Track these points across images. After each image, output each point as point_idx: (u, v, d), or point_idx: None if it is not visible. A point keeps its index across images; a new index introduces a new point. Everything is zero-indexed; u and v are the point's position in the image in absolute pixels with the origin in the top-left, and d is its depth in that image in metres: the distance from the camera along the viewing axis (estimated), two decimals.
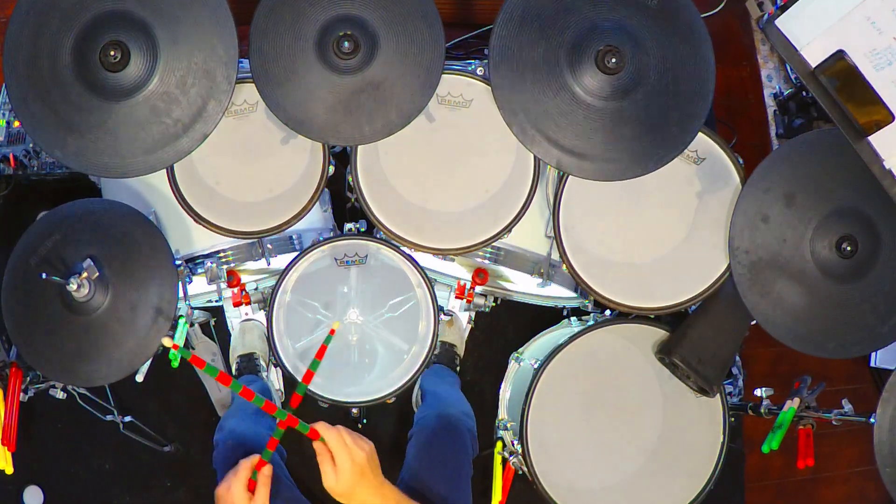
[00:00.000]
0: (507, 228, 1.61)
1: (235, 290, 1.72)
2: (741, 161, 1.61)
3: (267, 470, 1.18)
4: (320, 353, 1.23)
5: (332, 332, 1.25)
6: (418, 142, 1.60)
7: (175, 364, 1.56)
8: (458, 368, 2.04)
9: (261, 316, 1.97)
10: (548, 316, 1.98)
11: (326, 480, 1.15)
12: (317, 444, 1.16)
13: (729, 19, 2.37)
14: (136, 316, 1.45)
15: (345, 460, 1.14)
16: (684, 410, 1.69)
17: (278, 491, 1.34)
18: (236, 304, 1.75)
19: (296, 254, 1.65)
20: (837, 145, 1.48)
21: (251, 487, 1.16)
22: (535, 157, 1.59)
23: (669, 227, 1.64)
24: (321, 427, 1.17)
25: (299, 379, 1.65)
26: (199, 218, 1.59)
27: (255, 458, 1.18)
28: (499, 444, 1.74)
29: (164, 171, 1.53)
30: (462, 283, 1.82)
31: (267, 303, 1.70)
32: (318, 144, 1.59)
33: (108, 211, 1.53)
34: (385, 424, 2.11)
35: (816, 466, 1.62)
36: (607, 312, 1.78)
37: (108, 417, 1.85)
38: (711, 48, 1.45)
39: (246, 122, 1.60)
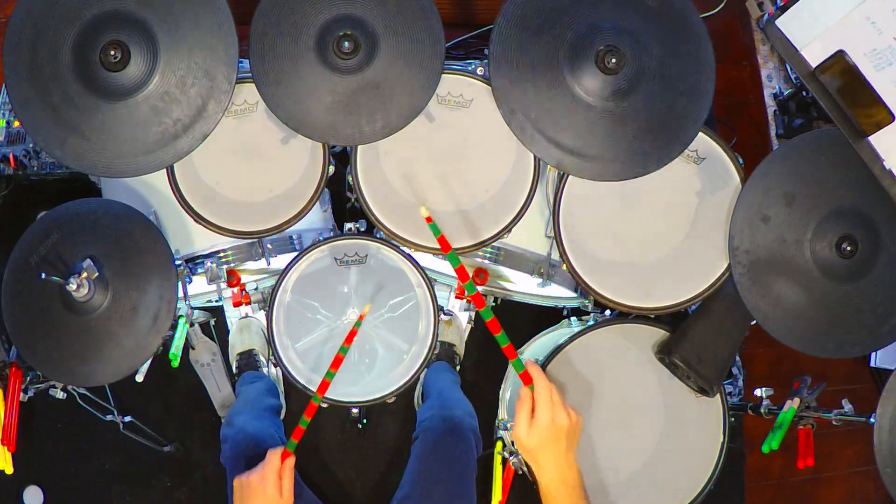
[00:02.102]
0: (507, 228, 1.61)
1: (235, 290, 1.72)
2: (741, 161, 1.61)
3: (291, 462, 1.24)
4: (336, 363, 1.27)
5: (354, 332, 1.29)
6: (418, 142, 1.60)
7: (175, 364, 1.57)
8: (458, 368, 2.05)
9: (261, 315, 1.98)
10: (548, 316, 1.98)
11: (517, 429, 1.12)
12: (523, 391, 1.14)
13: (729, 19, 2.37)
14: (136, 316, 1.45)
15: (545, 417, 1.11)
16: (684, 410, 1.69)
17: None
18: (236, 304, 1.75)
19: (296, 254, 1.65)
20: (837, 145, 1.48)
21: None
22: (535, 157, 1.59)
23: (669, 227, 1.64)
24: (535, 373, 1.15)
25: (299, 378, 1.65)
26: (199, 218, 1.59)
27: (280, 449, 1.24)
28: (499, 444, 1.74)
29: (164, 171, 1.53)
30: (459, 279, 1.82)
31: (267, 303, 1.70)
32: (318, 144, 1.59)
33: (108, 211, 1.53)
34: (385, 424, 2.11)
35: (816, 466, 1.62)
36: (607, 312, 1.78)
37: (108, 417, 1.85)
38: (711, 48, 1.45)
39: (246, 122, 1.60)
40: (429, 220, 1.25)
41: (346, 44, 1.43)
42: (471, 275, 1.76)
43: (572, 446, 1.15)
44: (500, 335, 1.18)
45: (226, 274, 1.68)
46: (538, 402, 1.13)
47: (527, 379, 1.17)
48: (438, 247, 1.63)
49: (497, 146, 1.61)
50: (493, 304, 1.93)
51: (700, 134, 1.55)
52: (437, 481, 1.53)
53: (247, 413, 1.68)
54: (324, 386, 1.32)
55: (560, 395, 1.15)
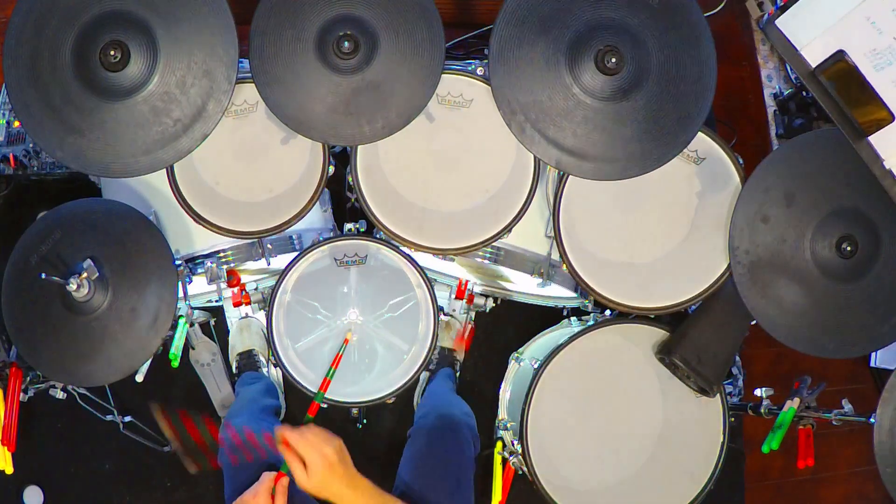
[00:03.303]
0: (507, 228, 1.61)
1: (235, 290, 1.72)
2: (741, 161, 1.61)
3: (284, 481, 1.25)
4: (336, 361, 1.38)
5: (347, 341, 1.43)
6: (418, 142, 1.60)
7: (175, 364, 1.57)
8: (458, 374, 2.05)
9: (261, 315, 1.98)
10: (548, 316, 1.98)
11: (298, 480, 1.18)
12: (281, 448, 1.20)
13: (729, 19, 2.37)
14: (135, 316, 1.45)
15: (313, 456, 1.17)
16: (684, 410, 1.69)
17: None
18: (236, 304, 1.75)
19: (296, 254, 1.65)
20: (837, 145, 1.48)
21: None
22: (535, 157, 1.59)
23: (669, 227, 1.64)
24: (286, 432, 1.21)
25: (298, 379, 1.65)
26: (199, 218, 1.59)
27: (273, 473, 1.26)
28: (499, 444, 1.74)
29: (164, 171, 1.53)
30: (462, 282, 1.81)
31: (267, 303, 1.70)
32: (318, 144, 1.59)
33: (108, 211, 1.53)
34: (385, 424, 2.11)
35: (816, 466, 1.62)
36: (607, 312, 1.78)
37: (108, 417, 1.85)
38: (713, 48, 1.45)
39: (246, 122, 1.60)
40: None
41: (346, 44, 1.43)
42: (471, 276, 1.77)
43: (348, 464, 1.22)
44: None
45: (226, 274, 1.68)
46: (299, 448, 1.19)
47: (277, 442, 1.22)
48: (438, 247, 1.63)
49: (497, 146, 1.60)
50: (494, 304, 1.92)
51: (700, 134, 1.55)
52: (434, 477, 1.53)
53: (245, 415, 1.68)
54: (313, 408, 1.38)
55: (312, 431, 1.22)
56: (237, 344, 2.00)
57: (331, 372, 1.38)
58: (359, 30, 1.45)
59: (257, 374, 1.96)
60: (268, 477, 1.27)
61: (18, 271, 1.48)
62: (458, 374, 2.04)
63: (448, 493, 1.50)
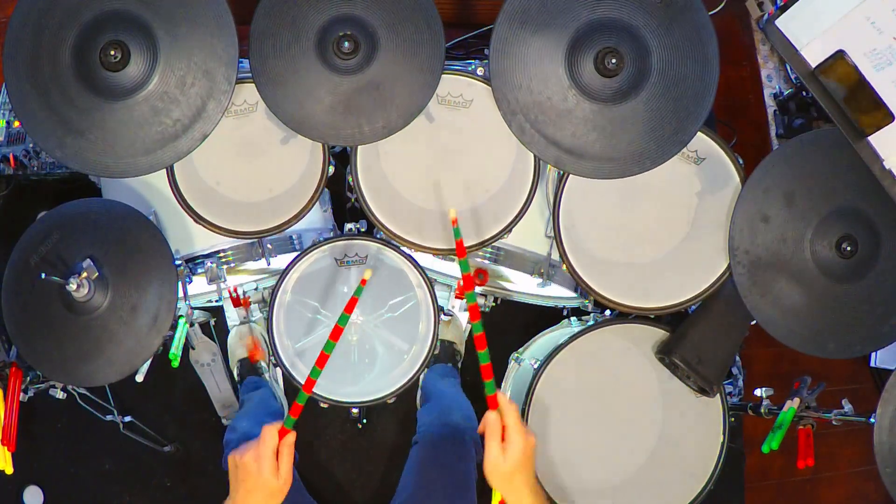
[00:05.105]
0: (507, 228, 1.62)
1: (234, 293, 1.73)
2: (741, 161, 1.61)
3: (290, 438, 1.12)
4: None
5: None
6: (418, 142, 1.60)
7: (175, 364, 1.57)
8: (459, 366, 2.05)
9: (260, 321, 1.98)
10: (548, 316, 1.98)
11: (491, 457, 1.08)
12: (491, 416, 1.10)
13: (729, 19, 2.37)
14: (136, 316, 1.45)
15: (518, 441, 1.07)
16: (684, 410, 1.69)
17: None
18: (236, 305, 1.76)
19: (296, 254, 1.65)
20: (837, 145, 1.48)
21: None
22: (535, 157, 1.59)
23: (669, 227, 1.64)
24: (502, 399, 1.11)
25: (299, 379, 1.65)
26: (199, 218, 1.59)
27: (278, 424, 1.12)
28: None
29: (164, 171, 1.53)
30: (462, 283, 1.81)
31: (267, 303, 1.70)
32: (318, 144, 1.59)
33: (108, 211, 1.53)
34: (385, 424, 2.11)
35: (816, 466, 1.62)
36: (607, 312, 1.78)
37: (108, 417, 1.85)
38: (717, 48, 1.44)
39: (246, 122, 1.60)
40: (454, 222, 1.25)
41: (346, 44, 1.43)
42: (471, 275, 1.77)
43: (534, 465, 1.12)
44: (484, 352, 1.15)
45: (225, 273, 1.68)
46: (509, 426, 1.08)
47: (494, 403, 1.11)
48: (438, 247, 1.63)
49: (497, 146, 1.60)
50: (494, 304, 1.92)
51: (700, 134, 1.55)
52: (435, 489, 1.53)
53: (250, 418, 1.68)
54: (322, 359, 1.22)
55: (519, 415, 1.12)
56: (237, 350, 2.00)
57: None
58: (359, 30, 1.45)
59: (260, 380, 1.96)
60: (269, 433, 1.09)
61: (18, 271, 1.48)
62: (459, 365, 2.04)
63: (452, 500, 1.50)
